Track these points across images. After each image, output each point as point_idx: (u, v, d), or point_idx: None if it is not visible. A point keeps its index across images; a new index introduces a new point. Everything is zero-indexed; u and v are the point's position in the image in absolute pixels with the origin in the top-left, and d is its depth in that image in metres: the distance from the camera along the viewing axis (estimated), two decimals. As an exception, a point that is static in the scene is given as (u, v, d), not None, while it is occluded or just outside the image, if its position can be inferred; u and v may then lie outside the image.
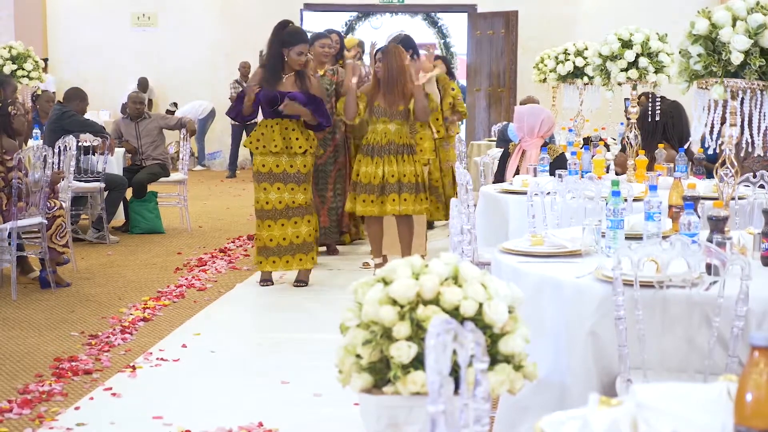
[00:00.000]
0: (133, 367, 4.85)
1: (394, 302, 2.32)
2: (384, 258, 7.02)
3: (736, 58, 3.50)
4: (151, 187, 9.13)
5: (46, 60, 12.62)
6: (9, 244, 6.31)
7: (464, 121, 16.37)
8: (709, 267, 3.05)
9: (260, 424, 4.03)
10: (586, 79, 8.72)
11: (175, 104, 15.55)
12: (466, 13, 15.96)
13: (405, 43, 7.75)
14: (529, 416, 3.36)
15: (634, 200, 4.88)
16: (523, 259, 3.59)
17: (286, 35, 6.49)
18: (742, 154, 3.86)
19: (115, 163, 8.91)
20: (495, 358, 2.32)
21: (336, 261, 7.69)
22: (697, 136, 3.74)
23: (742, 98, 3.59)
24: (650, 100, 5.89)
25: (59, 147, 7.82)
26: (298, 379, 4.67)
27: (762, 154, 3.89)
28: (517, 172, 6.25)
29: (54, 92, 12.28)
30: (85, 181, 8.42)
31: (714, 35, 3.56)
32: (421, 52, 8.00)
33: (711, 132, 3.67)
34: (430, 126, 8.26)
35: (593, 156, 6.23)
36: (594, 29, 12.97)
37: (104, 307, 6.14)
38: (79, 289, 6.64)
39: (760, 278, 3.13)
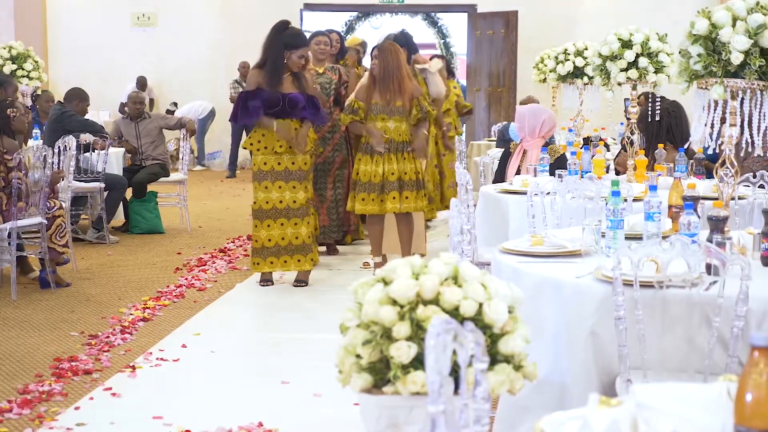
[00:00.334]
0: (133, 367, 4.85)
1: (394, 302, 2.32)
2: (384, 257, 7.02)
3: (736, 58, 3.50)
4: (151, 187, 9.13)
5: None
6: (9, 244, 6.31)
7: (464, 121, 16.42)
8: (709, 267, 3.05)
9: (260, 424, 4.03)
10: (586, 79, 8.73)
11: (175, 104, 15.55)
12: (466, 13, 15.96)
13: (399, 39, 7.74)
14: (529, 416, 3.36)
15: (634, 200, 4.88)
16: (523, 259, 3.60)
17: (288, 38, 6.48)
18: (742, 154, 3.86)
19: (115, 163, 8.91)
20: (495, 358, 2.32)
21: (336, 261, 7.69)
22: (697, 136, 3.74)
23: (742, 98, 3.59)
24: (650, 100, 5.89)
25: (59, 147, 7.82)
26: (298, 379, 4.67)
27: (762, 154, 3.89)
28: (518, 172, 6.26)
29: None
30: (85, 181, 8.42)
31: (714, 35, 3.56)
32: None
33: (711, 132, 3.67)
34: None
35: (593, 156, 6.23)
36: (594, 29, 12.97)
37: (104, 307, 6.14)
38: (79, 289, 6.64)
39: (760, 278, 3.13)
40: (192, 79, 15.89)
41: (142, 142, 9.23)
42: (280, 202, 6.52)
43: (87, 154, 8.54)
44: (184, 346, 5.25)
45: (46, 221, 6.49)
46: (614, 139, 9.63)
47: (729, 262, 2.93)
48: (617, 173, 6.47)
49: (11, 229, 6.27)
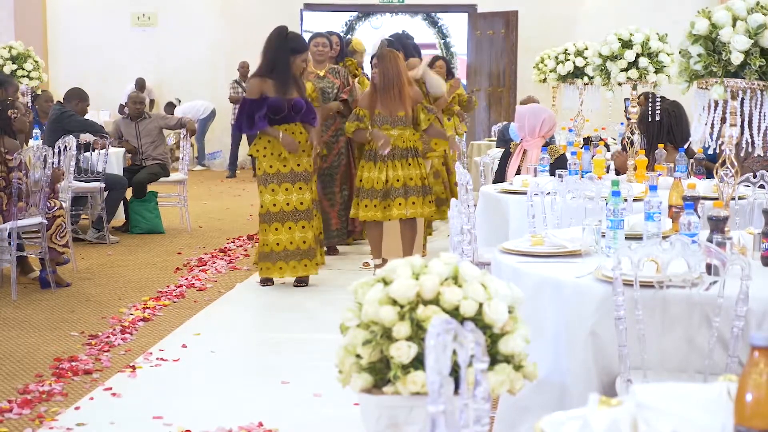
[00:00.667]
0: (133, 367, 4.85)
1: (394, 302, 2.32)
2: (384, 261, 7.02)
3: (736, 58, 3.50)
4: (151, 187, 9.13)
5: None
6: (9, 244, 6.31)
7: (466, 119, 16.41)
8: (709, 267, 3.05)
9: (260, 424, 4.03)
10: (586, 79, 8.73)
11: (179, 100, 15.53)
12: (466, 13, 15.97)
13: (393, 45, 7.73)
14: (529, 416, 3.36)
15: (634, 200, 4.88)
16: (523, 259, 3.60)
17: (292, 42, 6.51)
18: (742, 154, 3.86)
19: (115, 163, 8.92)
20: (495, 358, 2.32)
21: (336, 261, 7.69)
22: (697, 136, 3.74)
23: (742, 98, 3.59)
24: (650, 100, 5.89)
25: (59, 147, 7.82)
26: (298, 379, 4.67)
27: (762, 154, 3.89)
28: (518, 172, 6.26)
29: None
30: (85, 181, 8.43)
31: (714, 35, 3.56)
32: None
33: (711, 132, 3.67)
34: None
35: (593, 156, 6.23)
36: (594, 29, 12.97)
37: (104, 307, 6.14)
38: (79, 289, 6.64)
39: (760, 278, 3.13)
40: (192, 79, 15.89)
41: (142, 142, 9.23)
42: (287, 204, 6.52)
43: (87, 154, 8.54)
44: (184, 346, 5.25)
45: (46, 221, 6.49)
46: (614, 139, 9.63)
47: (729, 262, 2.93)
48: (616, 173, 6.47)
49: (11, 229, 6.27)
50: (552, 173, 5.60)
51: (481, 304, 2.32)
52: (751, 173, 5.20)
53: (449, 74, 9.29)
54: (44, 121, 9.26)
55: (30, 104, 9.85)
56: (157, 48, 15.99)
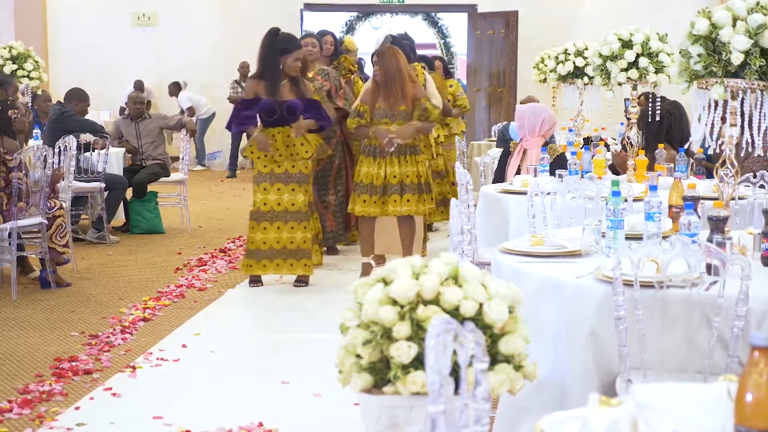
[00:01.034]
0: (133, 367, 4.85)
1: (394, 302, 2.32)
2: (378, 259, 7.02)
3: (737, 58, 3.50)
4: (151, 187, 9.14)
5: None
6: (9, 244, 6.31)
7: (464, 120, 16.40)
8: (709, 267, 3.05)
9: (260, 424, 4.03)
10: (586, 79, 8.72)
11: (185, 82, 15.46)
12: (466, 13, 15.97)
13: (398, 40, 7.71)
14: (529, 416, 3.36)
15: (634, 200, 4.88)
16: (523, 259, 3.60)
17: (281, 43, 6.49)
18: (742, 154, 3.85)
19: (115, 163, 8.92)
20: (495, 358, 2.32)
21: (336, 261, 7.69)
22: (697, 136, 3.74)
23: (742, 98, 3.59)
24: (650, 100, 5.89)
25: (59, 147, 7.82)
26: (298, 379, 4.67)
27: (762, 154, 3.88)
28: (518, 172, 6.25)
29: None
30: (85, 181, 8.43)
31: (714, 35, 3.56)
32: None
33: (711, 132, 3.67)
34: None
35: (593, 156, 6.23)
36: (594, 29, 12.97)
37: (104, 307, 6.14)
38: (79, 289, 6.64)
39: (760, 278, 3.13)
40: (192, 80, 15.88)
41: (143, 142, 9.24)
42: (278, 204, 6.52)
43: (87, 154, 8.54)
44: (184, 346, 5.25)
45: (46, 221, 6.49)
46: (614, 139, 9.63)
47: (729, 262, 2.93)
48: (615, 172, 6.47)
49: (11, 229, 6.27)
50: (552, 173, 5.60)
51: (481, 304, 2.32)
52: (751, 173, 5.20)
53: (447, 74, 9.27)
54: (44, 121, 9.26)
55: (30, 104, 9.85)
56: (157, 48, 15.99)
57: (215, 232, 9.24)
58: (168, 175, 9.36)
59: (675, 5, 14.56)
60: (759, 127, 3.59)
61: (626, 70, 5.68)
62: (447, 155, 8.87)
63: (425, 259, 2.41)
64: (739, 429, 1.66)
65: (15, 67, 9.83)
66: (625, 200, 4.32)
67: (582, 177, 5.20)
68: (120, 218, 9.17)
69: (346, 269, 7.33)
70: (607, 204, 3.68)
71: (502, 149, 7.24)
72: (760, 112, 3.58)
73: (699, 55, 3.59)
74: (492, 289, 2.34)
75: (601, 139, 8.07)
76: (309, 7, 16.04)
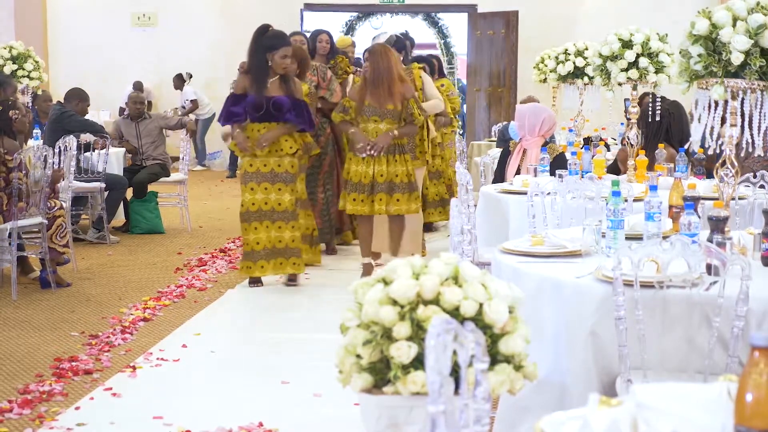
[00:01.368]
0: (133, 367, 4.85)
1: (395, 302, 2.32)
2: (374, 256, 7.02)
3: (737, 59, 3.50)
4: (151, 187, 9.14)
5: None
6: (9, 244, 6.31)
7: (464, 120, 16.40)
8: (709, 267, 3.05)
9: (260, 424, 4.03)
10: (586, 79, 8.72)
11: (190, 75, 15.43)
12: (466, 13, 15.96)
13: (400, 41, 7.69)
14: (529, 416, 3.36)
15: (635, 200, 4.88)
16: (523, 259, 3.60)
17: (268, 40, 6.48)
18: (742, 154, 3.86)
19: (115, 163, 8.92)
20: (495, 358, 2.32)
21: (336, 261, 7.69)
22: (697, 136, 3.74)
23: (743, 98, 3.59)
24: (650, 100, 5.89)
25: (59, 147, 7.82)
26: (298, 379, 4.67)
27: (762, 154, 3.89)
28: (518, 172, 6.25)
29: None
30: (86, 181, 8.43)
31: (714, 35, 3.56)
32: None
33: (711, 132, 3.67)
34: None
35: (593, 156, 6.23)
36: (594, 29, 12.96)
37: (104, 307, 6.14)
38: (79, 289, 6.64)
39: (760, 278, 3.13)
40: (192, 80, 15.87)
41: (143, 142, 9.24)
42: (265, 203, 6.52)
43: (87, 154, 8.55)
44: (184, 346, 5.25)
45: (46, 221, 6.49)
46: (614, 139, 9.63)
47: (729, 262, 2.93)
48: (616, 171, 6.47)
49: (12, 229, 6.27)
50: (552, 173, 5.60)
51: (481, 305, 2.32)
52: (751, 173, 5.20)
53: (439, 73, 9.20)
54: (44, 121, 9.26)
55: (30, 104, 9.85)
56: (157, 48, 15.98)
57: (215, 232, 9.24)
58: (168, 175, 9.36)
59: (675, 5, 14.55)
60: (759, 127, 3.59)
61: (626, 70, 5.68)
62: (442, 155, 8.85)
63: (425, 259, 2.42)
64: (739, 429, 1.66)
65: (15, 67, 9.83)
66: (625, 200, 4.32)
67: (582, 177, 5.20)
68: (120, 218, 9.17)
69: (346, 269, 7.33)
70: (607, 204, 3.68)
71: (502, 149, 7.23)
72: (760, 112, 3.58)
73: (699, 55, 3.60)
74: (492, 289, 2.35)
75: (601, 139, 8.07)
76: (309, 7, 16.03)
